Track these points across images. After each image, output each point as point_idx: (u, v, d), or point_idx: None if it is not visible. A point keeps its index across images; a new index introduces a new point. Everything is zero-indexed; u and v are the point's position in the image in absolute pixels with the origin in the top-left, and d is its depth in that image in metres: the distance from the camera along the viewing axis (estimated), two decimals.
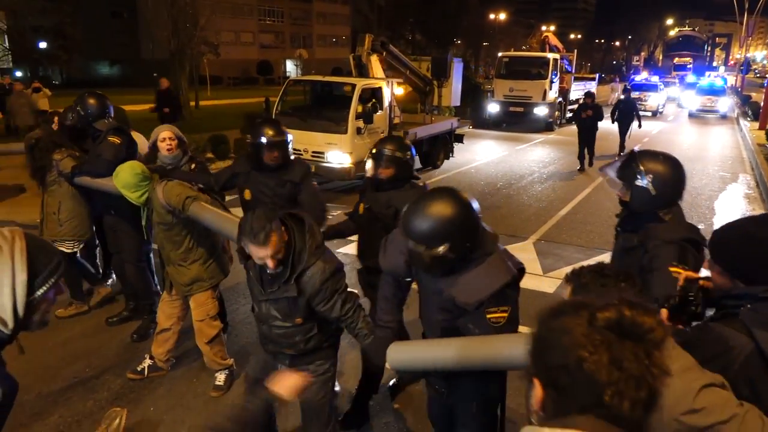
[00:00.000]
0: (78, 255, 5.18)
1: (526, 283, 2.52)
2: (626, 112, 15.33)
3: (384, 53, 12.39)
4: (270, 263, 2.54)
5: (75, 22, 26.13)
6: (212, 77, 35.82)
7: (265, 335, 2.88)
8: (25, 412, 3.85)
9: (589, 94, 14.07)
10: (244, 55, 53.90)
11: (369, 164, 3.63)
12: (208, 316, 4.05)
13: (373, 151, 3.63)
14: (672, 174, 2.56)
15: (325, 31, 65.58)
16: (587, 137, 13.40)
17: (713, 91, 28.72)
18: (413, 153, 3.67)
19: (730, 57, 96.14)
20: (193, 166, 4.35)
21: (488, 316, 2.28)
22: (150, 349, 4.32)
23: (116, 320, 5.16)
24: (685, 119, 27.34)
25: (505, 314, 2.30)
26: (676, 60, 64.68)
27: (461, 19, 47.76)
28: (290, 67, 56.14)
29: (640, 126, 15.40)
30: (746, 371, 1.69)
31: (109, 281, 5.78)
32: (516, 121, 21.12)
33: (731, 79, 47.14)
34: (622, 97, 15.99)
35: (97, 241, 5.48)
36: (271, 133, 3.97)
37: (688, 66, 61.01)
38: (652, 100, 28.00)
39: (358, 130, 10.21)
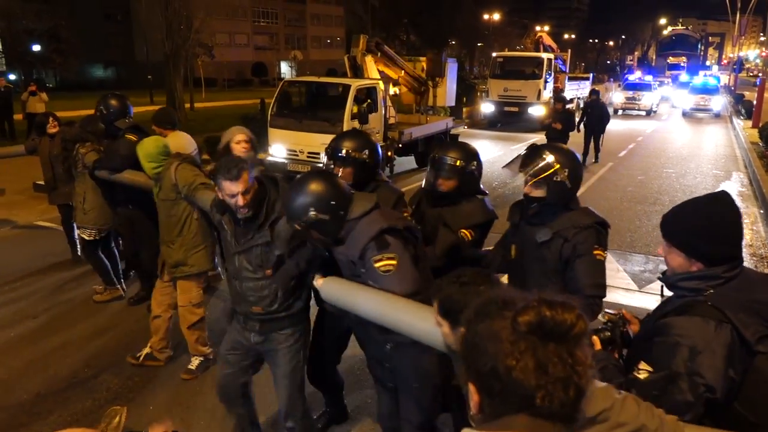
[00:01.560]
0: (99, 246, 5.55)
1: None
2: (595, 118, 13.69)
3: (378, 54, 12.44)
4: (240, 200, 2.72)
5: (69, 25, 26.09)
6: (207, 79, 35.79)
7: (236, 292, 3.00)
8: (24, 412, 3.88)
9: (560, 99, 12.76)
10: (239, 56, 53.85)
11: (427, 173, 3.21)
12: (190, 303, 4.24)
13: (434, 156, 3.19)
14: (579, 166, 2.71)
15: (319, 33, 65.59)
16: None
17: (707, 90, 28.84)
18: (480, 162, 3.22)
19: (724, 56, 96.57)
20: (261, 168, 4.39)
21: (375, 265, 2.40)
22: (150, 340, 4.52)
23: (134, 300, 5.59)
24: (679, 118, 27.46)
25: (393, 261, 2.40)
26: (669, 59, 64.72)
27: (455, 19, 47.88)
28: (285, 69, 56.16)
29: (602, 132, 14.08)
30: (740, 358, 1.68)
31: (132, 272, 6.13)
32: (511, 120, 21.20)
33: (724, 78, 47.38)
34: (590, 100, 14.44)
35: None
36: (348, 144, 3.14)
37: (682, 65, 61.08)
38: (646, 99, 28.10)
39: None
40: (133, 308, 5.50)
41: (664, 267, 1.96)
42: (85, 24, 42.87)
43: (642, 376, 1.74)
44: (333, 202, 2.47)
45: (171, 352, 4.52)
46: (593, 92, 14.79)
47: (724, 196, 1.91)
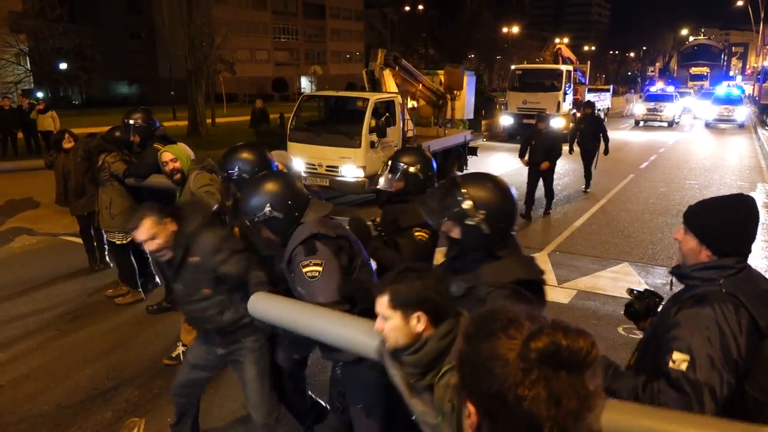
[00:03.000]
0: (130, 250, 5.79)
1: None
2: (590, 135, 11.54)
3: (397, 67, 12.50)
4: (148, 246, 2.85)
5: (95, 43, 26.71)
6: (228, 94, 36.31)
7: (187, 315, 3.26)
8: (46, 424, 3.93)
9: (542, 119, 9.79)
10: (260, 72, 54.59)
11: (383, 176, 3.51)
12: None
13: (389, 162, 3.51)
14: (505, 204, 2.15)
15: (339, 48, 66.24)
16: (536, 179, 9.69)
17: (730, 101, 28.46)
18: (432, 167, 3.47)
19: (747, 66, 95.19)
20: None
21: (303, 270, 2.48)
22: (180, 338, 4.73)
23: (155, 308, 5.68)
24: (702, 129, 27.12)
25: (318, 267, 2.46)
26: (692, 70, 63.39)
27: (474, 33, 48.01)
28: (305, 84, 56.78)
29: (606, 152, 11.81)
30: (753, 339, 1.83)
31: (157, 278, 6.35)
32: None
33: (748, 88, 46.66)
34: (583, 114, 12.13)
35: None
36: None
37: (706, 75, 59.96)
38: (668, 110, 27.85)
39: (372, 144, 10.29)
40: (154, 320, 5.55)
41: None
42: (111, 42, 43.94)
43: (683, 367, 1.80)
44: (289, 202, 2.61)
45: None
46: (587, 104, 12.27)
47: (750, 198, 2.02)
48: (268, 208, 2.56)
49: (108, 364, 4.74)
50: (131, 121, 5.47)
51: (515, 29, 56.03)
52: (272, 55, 58.74)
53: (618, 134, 24.82)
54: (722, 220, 1.96)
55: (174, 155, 4.41)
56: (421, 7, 53.14)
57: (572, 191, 12.11)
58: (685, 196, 11.66)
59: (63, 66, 27.16)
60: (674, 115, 28.19)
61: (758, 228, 1.99)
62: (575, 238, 8.61)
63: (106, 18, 49.40)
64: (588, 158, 11.74)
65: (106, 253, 6.73)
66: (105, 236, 5.88)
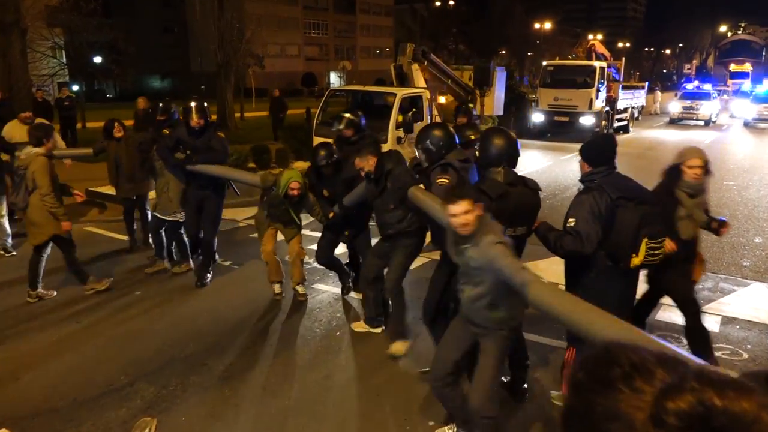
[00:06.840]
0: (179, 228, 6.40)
1: None
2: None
3: (425, 62, 12.33)
4: (357, 164, 4.81)
5: (128, 37, 27.06)
6: (257, 89, 36.49)
7: (380, 222, 4.86)
8: (60, 418, 3.88)
9: (340, 120, 6.25)
10: (289, 67, 54.79)
11: None
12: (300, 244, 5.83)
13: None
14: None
15: (368, 43, 66.14)
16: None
17: None
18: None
19: None
20: None
21: (437, 180, 4.19)
22: (271, 279, 5.80)
23: (152, 269, 6.47)
24: (740, 129, 26.27)
25: (447, 180, 4.16)
26: (732, 67, 60.87)
27: (505, 28, 47.43)
28: (334, 79, 56.83)
29: None
30: (610, 209, 3.38)
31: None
32: (561, 130, 20.65)
33: None
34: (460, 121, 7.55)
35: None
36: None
37: (747, 73, 57.32)
38: (705, 108, 27.07)
39: (399, 140, 10.15)
40: (172, 316, 5.52)
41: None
42: (144, 36, 44.55)
43: (572, 223, 3.40)
44: (441, 143, 4.28)
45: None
46: (459, 110, 8.14)
47: (609, 136, 3.85)
48: (428, 142, 4.28)
49: (125, 359, 4.68)
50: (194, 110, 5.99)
51: (548, 25, 55.15)
52: (302, 50, 58.94)
53: (651, 133, 24.21)
54: (589, 148, 3.69)
55: (299, 183, 5.30)
56: (451, 2, 52.72)
57: None
58: (723, 197, 11.22)
59: (97, 59, 27.55)
60: (711, 113, 27.36)
61: (614, 148, 3.69)
62: None
63: (140, 12, 50.11)
64: None
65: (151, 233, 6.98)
66: (164, 217, 6.25)
